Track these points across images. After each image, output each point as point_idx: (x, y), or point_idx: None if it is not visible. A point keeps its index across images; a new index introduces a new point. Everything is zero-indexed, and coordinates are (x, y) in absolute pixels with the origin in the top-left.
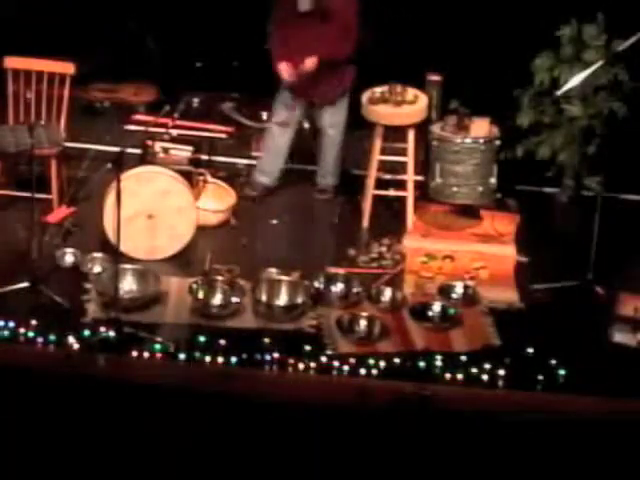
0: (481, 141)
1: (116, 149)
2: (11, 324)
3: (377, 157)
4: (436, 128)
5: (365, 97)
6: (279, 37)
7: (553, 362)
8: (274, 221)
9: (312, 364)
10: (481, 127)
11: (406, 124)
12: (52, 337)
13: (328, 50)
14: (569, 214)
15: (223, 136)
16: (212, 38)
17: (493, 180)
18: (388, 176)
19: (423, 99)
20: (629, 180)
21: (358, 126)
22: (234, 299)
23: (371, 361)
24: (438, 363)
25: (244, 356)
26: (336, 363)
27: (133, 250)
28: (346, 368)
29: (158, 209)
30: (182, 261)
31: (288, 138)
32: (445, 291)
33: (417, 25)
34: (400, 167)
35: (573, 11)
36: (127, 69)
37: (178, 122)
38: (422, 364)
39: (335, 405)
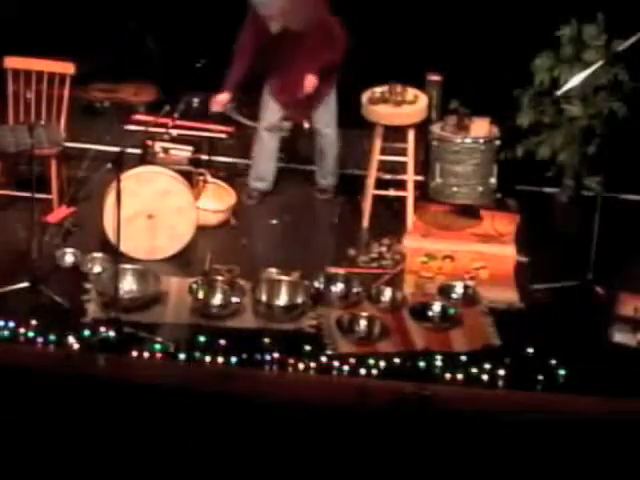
0: (481, 141)
1: (116, 149)
2: (11, 324)
3: (377, 157)
4: (436, 128)
5: (365, 97)
6: (268, 66)
7: (553, 362)
8: (274, 221)
9: (312, 364)
10: (481, 127)
11: (406, 124)
12: (52, 337)
13: (318, 63)
14: (569, 214)
15: (223, 136)
16: (212, 38)
17: (493, 180)
18: (388, 176)
19: (423, 99)
20: (629, 180)
21: (358, 126)
22: (234, 299)
23: (371, 361)
24: (438, 363)
25: (244, 356)
26: (336, 363)
27: (133, 250)
28: (346, 368)
29: (158, 209)
30: (182, 261)
31: (277, 141)
32: (445, 291)
33: (417, 25)
34: (400, 167)
35: (573, 11)
36: (127, 69)
37: (178, 122)
38: (422, 364)
39: (335, 405)
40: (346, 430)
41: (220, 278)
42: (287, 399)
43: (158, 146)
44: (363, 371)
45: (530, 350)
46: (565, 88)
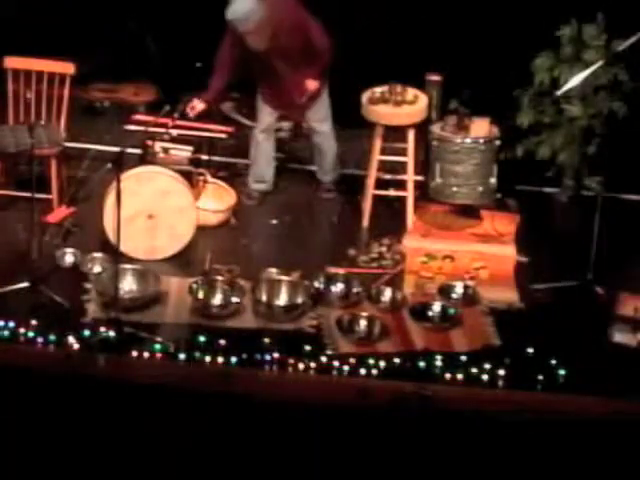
0: (481, 141)
1: (116, 149)
2: (11, 324)
3: (377, 157)
4: (436, 128)
5: (365, 97)
6: (255, 74)
7: (553, 362)
8: (274, 221)
9: (312, 364)
10: (481, 127)
11: (406, 124)
12: (52, 337)
13: (313, 67)
14: (569, 214)
15: (223, 136)
16: (212, 38)
17: (493, 180)
18: (388, 176)
19: (423, 99)
20: (629, 180)
21: (358, 126)
22: (234, 299)
23: (371, 361)
24: (438, 363)
25: (244, 356)
26: (336, 363)
27: (133, 250)
28: (346, 368)
29: (158, 209)
30: (182, 261)
31: (273, 142)
32: (445, 291)
33: (417, 25)
34: (400, 167)
35: (573, 11)
36: (127, 69)
37: (178, 122)
38: (422, 364)
39: (335, 405)
40: (346, 430)
41: (220, 278)
42: (287, 399)
43: (158, 146)
44: (363, 371)
45: (530, 350)
46: (565, 88)
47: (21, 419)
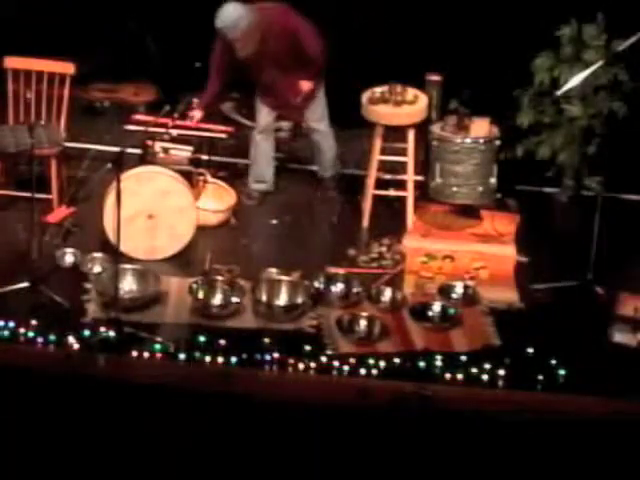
0: (481, 141)
1: (116, 149)
2: (11, 324)
3: (377, 157)
4: (436, 128)
5: (365, 97)
6: (252, 77)
7: (553, 362)
8: (274, 221)
9: (312, 364)
10: (481, 127)
11: (406, 124)
12: (52, 337)
13: (308, 69)
14: (569, 214)
15: (223, 136)
16: (212, 38)
17: (493, 180)
18: (388, 176)
19: (423, 99)
20: (629, 180)
21: (358, 126)
22: (234, 299)
23: (371, 361)
24: (438, 363)
25: (244, 356)
26: (336, 363)
27: (133, 250)
28: (346, 368)
29: (158, 209)
30: (182, 261)
31: (272, 143)
32: (445, 291)
33: (417, 25)
34: (400, 167)
35: (573, 11)
36: (127, 69)
37: (178, 122)
38: (422, 364)
39: (335, 405)
40: (346, 430)
41: (220, 278)
42: (287, 399)
43: (158, 146)
44: (363, 371)
45: (530, 350)
46: (565, 88)
47: (21, 419)
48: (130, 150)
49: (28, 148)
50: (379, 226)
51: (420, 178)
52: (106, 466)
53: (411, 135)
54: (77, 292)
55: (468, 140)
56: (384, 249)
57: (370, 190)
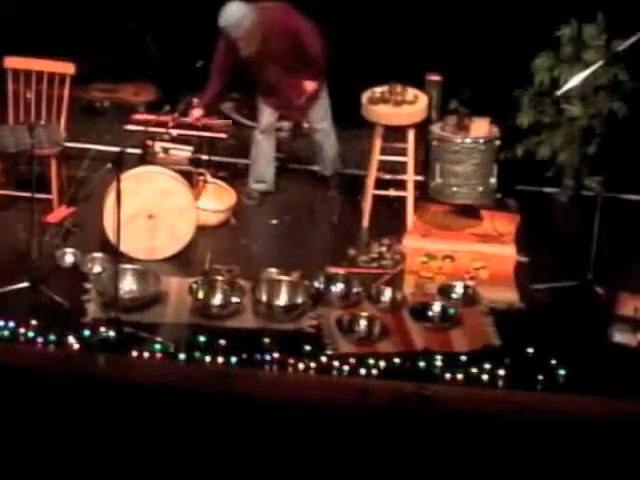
0: (481, 141)
1: (116, 149)
2: (11, 324)
3: (377, 157)
4: (436, 128)
5: (365, 97)
6: (254, 77)
7: (553, 362)
8: (274, 221)
9: (312, 364)
10: (481, 127)
11: (406, 124)
12: (52, 337)
13: (310, 69)
14: (569, 214)
15: (223, 136)
16: (212, 38)
17: (493, 180)
18: (388, 176)
19: (423, 99)
20: (629, 180)
21: (358, 126)
22: (234, 299)
23: (371, 361)
24: (438, 363)
25: (244, 356)
26: (336, 363)
27: (133, 250)
28: (346, 368)
29: (158, 209)
30: (182, 261)
31: (273, 141)
32: (445, 291)
33: (417, 25)
34: (400, 167)
35: (573, 11)
36: (127, 69)
37: (180, 119)
38: (422, 364)
39: (335, 405)
40: (346, 430)
41: (220, 278)
42: (287, 399)
43: (158, 146)
44: (363, 371)
45: (530, 350)
46: (565, 88)
47: (21, 419)
48: (130, 150)
49: (28, 148)
50: (379, 226)
51: (420, 178)
52: (106, 466)
53: (411, 135)
54: (77, 292)
55: (468, 140)
56: (384, 249)
57: (370, 190)
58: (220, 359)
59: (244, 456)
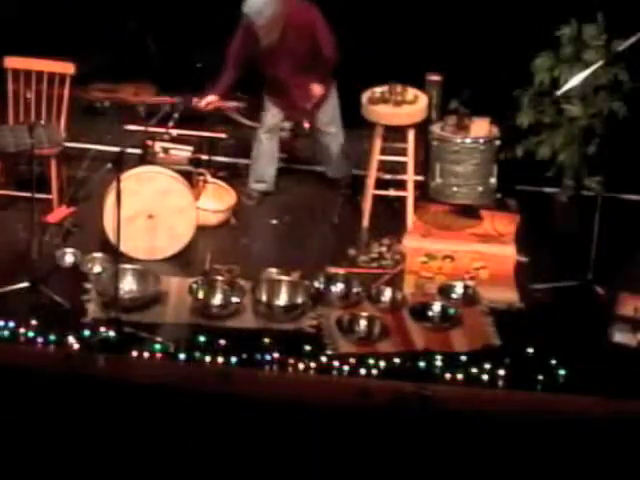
0: (481, 141)
1: (116, 149)
2: (11, 324)
3: (377, 157)
4: (436, 128)
5: (365, 97)
6: (264, 73)
7: (553, 362)
8: (274, 221)
9: (312, 364)
10: (481, 127)
11: (406, 124)
12: (52, 337)
13: (319, 68)
14: (569, 214)
15: (223, 136)
16: (212, 38)
17: (493, 180)
18: (388, 176)
19: (423, 99)
20: (629, 180)
21: (358, 126)
22: (234, 299)
23: (371, 361)
24: (438, 363)
25: (244, 356)
26: (336, 363)
27: (133, 250)
28: (346, 368)
29: (158, 209)
30: (182, 261)
31: (276, 142)
32: (445, 291)
33: (417, 25)
34: (400, 167)
35: (573, 11)
36: (127, 69)
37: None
38: (422, 364)
39: (335, 405)
40: (346, 430)
41: (220, 278)
42: (287, 399)
43: (158, 146)
44: (363, 371)
45: (530, 350)
46: (565, 88)
47: (21, 419)
48: (130, 150)
49: (28, 148)
50: (379, 226)
51: (420, 178)
52: (106, 466)
53: (411, 135)
54: (77, 292)
55: (468, 140)
56: (384, 249)
57: (370, 190)
58: (220, 359)
59: (244, 456)
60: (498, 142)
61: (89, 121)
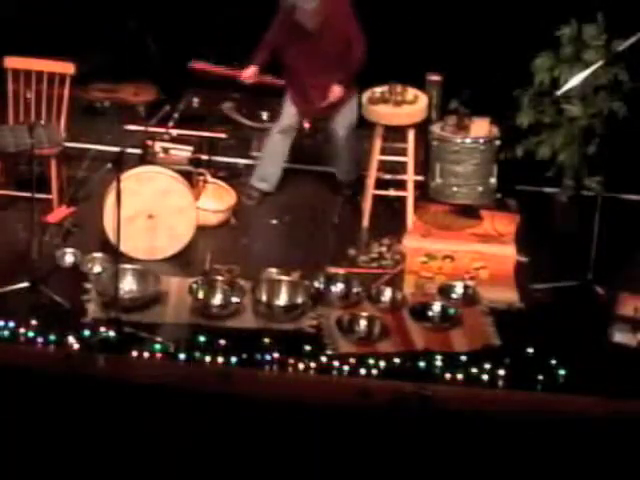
0: (481, 141)
1: (116, 149)
2: (11, 324)
3: (377, 157)
4: (436, 128)
5: (365, 97)
6: (287, 67)
7: (553, 362)
8: (274, 221)
9: (312, 364)
10: (481, 127)
11: (406, 124)
12: (52, 337)
13: (341, 72)
14: (569, 214)
15: (223, 136)
16: (212, 38)
17: (493, 180)
18: (388, 176)
19: (423, 99)
20: (629, 180)
21: (358, 126)
22: (234, 299)
23: (371, 361)
24: (438, 363)
25: (244, 356)
26: (336, 363)
27: (133, 250)
28: (346, 368)
29: (158, 209)
30: (182, 261)
31: (288, 143)
32: (445, 291)
33: (417, 25)
34: (400, 167)
35: (573, 11)
36: (127, 69)
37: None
38: (422, 364)
39: (335, 405)
40: (346, 430)
41: (220, 278)
42: (287, 399)
43: (158, 146)
44: (363, 371)
45: (530, 350)
46: (565, 88)
47: (21, 419)
48: (130, 150)
49: (28, 148)
50: (379, 226)
51: (420, 178)
52: (106, 466)
53: (411, 135)
54: (77, 292)
55: (468, 140)
56: (384, 249)
57: (370, 190)
58: (220, 359)
59: (244, 456)
60: (498, 142)
61: (89, 121)
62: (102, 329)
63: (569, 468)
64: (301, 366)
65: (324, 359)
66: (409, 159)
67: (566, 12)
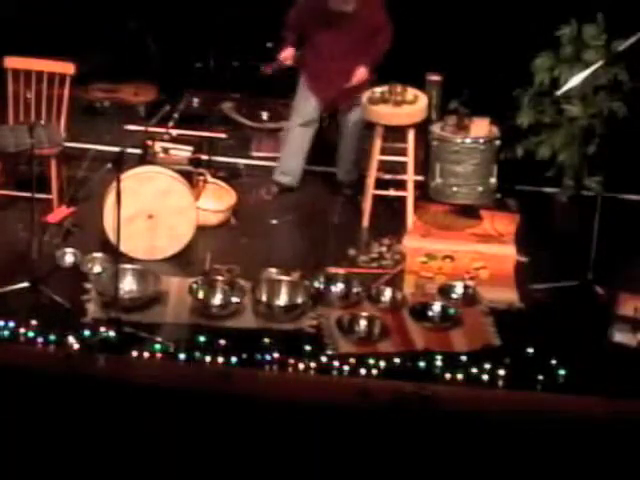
0: (481, 141)
1: (116, 149)
2: (11, 324)
3: (377, 157)
4: (436, 128)
5: (365, 97)
6: (311, 49)
7: (553, 362)
8: (274, 221)
9: (312, 364)
10: (481, 127)
11: (406, 124)
12: (52, 337)
13: (368, 56)
14: (569, 214)
15: (223, 136)
16: (212, 38)
17: (493, 180)
18: (388, 176)
19: (423, 99)
20: (629, 180)
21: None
22: (234, 299)
23: (371, 361)
24: (438, 363)
25: (244, 356)
26: (336, 363)
27: (133, 250)
28: (346, 368)
29: (158, 209)
30: (182, 261)
31: (310, 136)
32: (445, 291)
33: (417, 25)
34: (400, 167)
35: (573, 11)
36: (127, 69)
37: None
38: (422, 364)
39: (335, 405)
40: (346, 430)
41: (220, 278)
42: (287, 399)
43: (158, 146)
44: (363, 371)
45: (530, 350)
46: (565, 88)
47: (21, 419)
48: (130, 150)
49: (28, 148)
50: (379, 226)
51: (420, 178)
52: (106, 466)
53: (411, 135)
54: (77, 292)
55: (468, 140)
56: (384, 249)
57: (370, 190)
58: (220, 359)
59: (244, 456)
60: (498, 142)
61: (89, 121)
62: (102, 329)
63: (569, 468)
64: (301, 366)
65: (324, 359)
66: (409, 159)
67: (566, 12)
